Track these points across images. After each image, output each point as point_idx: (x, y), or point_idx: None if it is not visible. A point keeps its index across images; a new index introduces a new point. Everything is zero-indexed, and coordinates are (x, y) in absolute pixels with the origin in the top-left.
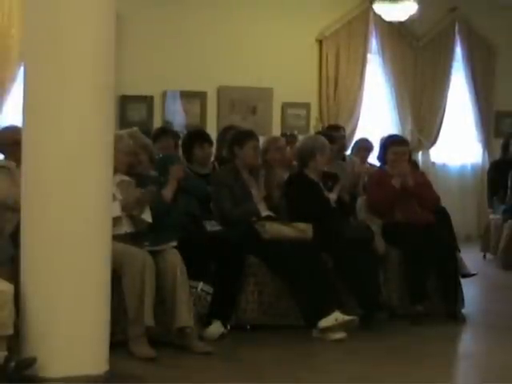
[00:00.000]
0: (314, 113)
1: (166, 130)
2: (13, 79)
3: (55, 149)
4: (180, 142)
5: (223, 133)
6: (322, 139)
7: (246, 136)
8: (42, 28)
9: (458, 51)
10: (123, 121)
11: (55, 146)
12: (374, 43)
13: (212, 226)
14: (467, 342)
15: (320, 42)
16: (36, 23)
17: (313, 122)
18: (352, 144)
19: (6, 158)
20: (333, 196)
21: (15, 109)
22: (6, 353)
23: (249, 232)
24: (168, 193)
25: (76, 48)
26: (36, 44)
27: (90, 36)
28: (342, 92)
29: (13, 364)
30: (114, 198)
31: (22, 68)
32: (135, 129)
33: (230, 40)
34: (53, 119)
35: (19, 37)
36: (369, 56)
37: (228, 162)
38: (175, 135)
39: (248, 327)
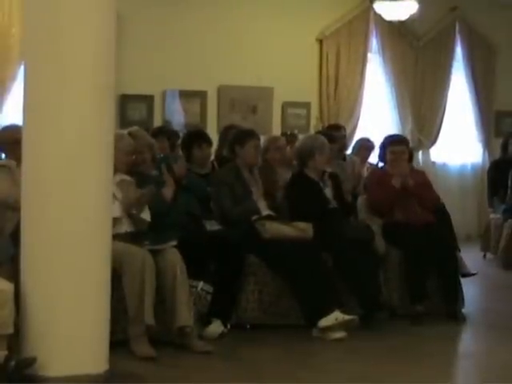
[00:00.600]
0: (315, 112)
1: (162, 130)
2: (13, 78)
3: (55, 148)
4: (179, 142)
5: (224, 132)
6: (322, 139)
7: (247, 135)
8: (42, 28)
9: (459, 50)
10: (123, 120)
11: (55, 146)
12: (374, 42)
13: (212, 226)
14: (467, 341)
15: (320, 42)
16: (36, 23)
17: (313, 122)
18: (353, 143)
19: (6, 157)
20: (328, 192)
21: (16, 108)
22: (6, 352)
23: (249, 231)
24: (168, 192)
25: (76, 48)
26: (36, 44)
27: (91, 36)
28: (342, 91)
29: (13, 363)
30: (114, 197)
31: (22, 67)
32: (137, 128)
33: (230, 39)
34: (53, 118)
35: (20, 36)
36: (369, 55)
37: (228, 162)
38: (174, 135)
39: (248, 326)
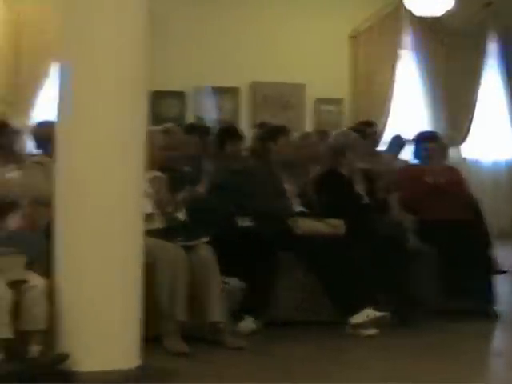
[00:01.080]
0: (347, 109)
1: (195, 127)
2: (46, 74)
3: (87, 145)
4: (212, 138)
5: (257, 128)
6: (354, 135)
7: (280, 131)
8: (75, 25)
9: (492, 47)
10: (156, 117)
11: (87, 142)
12: (406, 39)
13: (244, 222)
14: (500, 339)
15: (353, 39)
16: (69, 20)
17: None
18: (385, 140)
19: (42, 153)
20: (360, 188)
21: (49, 104)
22: (39, 347)
23: (281, 228)
24: (201, 189)
25: (110, 45)
26: (69, 41)
27: (124, 33)
28: (374, 88)
29: (46, 359)
30: (146, 194)
31: (56, 63)
32: (171, 124)
33: (263, 36)
34: (85, 115)
35: (53, 32)
36: (401, 52)
37: (261, 158)
38: (206, 131)
39: (280, 323)
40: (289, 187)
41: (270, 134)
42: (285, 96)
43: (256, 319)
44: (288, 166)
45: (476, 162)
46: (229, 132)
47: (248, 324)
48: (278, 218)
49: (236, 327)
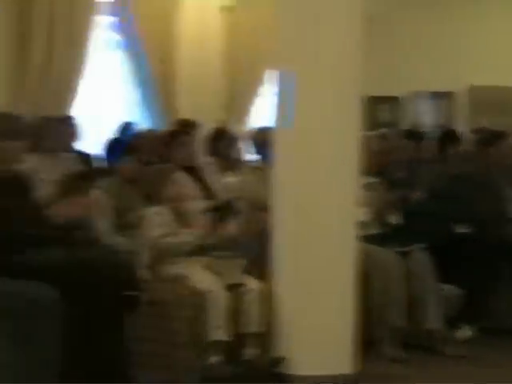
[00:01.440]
0: None
1: (411, 132)
2: (262, 82)
3: (305, 150)
4: (427, 143)
5: (475, 133)
6: None
7: (500, 136)
8: (294, 32)
9: None
10: (372, 122)
11: (305, 148)
12: None
13: (461, 228)
14: None
15: None
16: (288, 28)
17: None
18: None
19: (260, 158)
20: None
21: (263, 111)
22: (255, 350)
23: (501, 234)
24: (416, 194)
25: (328, 52)
26: (289, 49)
27: (341, 39)
28: None
29: (262, 361)
30: (362, 200)
31: (270, 71)
32: (386, 130)
33: (481, 38)
34: (303, 121)
35: (268, 41)
36: None
37: (480, 163)
38: (421, 136)
39: (499, 331)
40: (509, 193)
41: (489, 138)
42: (504, 100)
43: (473, 326)
44: (508, 172)
45: None
46: (449, 135)
47: (465, 332)
48: (498, 225)
49: (453, 335)
